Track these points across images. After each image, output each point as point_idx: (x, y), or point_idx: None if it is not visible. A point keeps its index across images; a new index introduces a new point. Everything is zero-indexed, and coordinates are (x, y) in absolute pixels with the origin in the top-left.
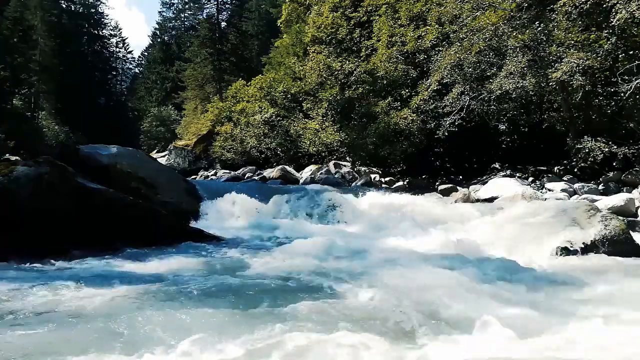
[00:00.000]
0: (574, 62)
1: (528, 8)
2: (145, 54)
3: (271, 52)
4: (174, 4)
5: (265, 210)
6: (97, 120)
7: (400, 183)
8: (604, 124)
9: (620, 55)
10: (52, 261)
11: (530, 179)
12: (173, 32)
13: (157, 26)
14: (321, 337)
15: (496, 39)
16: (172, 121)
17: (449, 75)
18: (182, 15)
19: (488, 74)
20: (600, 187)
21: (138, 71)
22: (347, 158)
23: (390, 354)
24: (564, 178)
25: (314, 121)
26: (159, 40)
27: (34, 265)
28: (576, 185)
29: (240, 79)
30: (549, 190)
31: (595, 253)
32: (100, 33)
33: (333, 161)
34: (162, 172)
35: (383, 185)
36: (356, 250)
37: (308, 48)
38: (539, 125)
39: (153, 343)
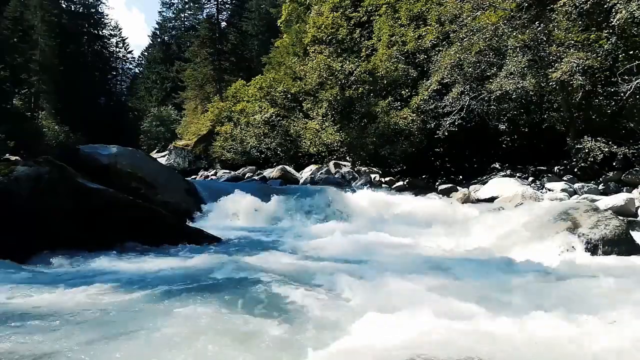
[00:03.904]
0: (574, 62)
1: (528, 8)
2: (145, 54)
3: (271, 52)
4: (174, 4)
5: (265, 211)
6: (97, 120)
7: (400, 183)
8: (604, 124)
9: (620, 55)
10: (52, 261)
11: (530, 179)
12: (173, 32)
13: (157, 26)
14: (320, 339)
15: (496, 39)
16: (172, 121)
17: (449, 75)
18: (182, 15)
19: (488, 74)
20: (600, 187)
21: (138, 71)
22: (347, 158)
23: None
24: (564, 178)
25: (314, 121)
26: (159, 40)
27: (34, 265)
28: (576, 185)
29: (240, 79)
30: (549, 190)
31: (595, 253)
32: (100, 33)
33: (333, 161)
34: (162, 172)
35: (383, 185)
36: (357, 251)
37: (308, 48)
38: (539, 125)
39: (152, 343)
